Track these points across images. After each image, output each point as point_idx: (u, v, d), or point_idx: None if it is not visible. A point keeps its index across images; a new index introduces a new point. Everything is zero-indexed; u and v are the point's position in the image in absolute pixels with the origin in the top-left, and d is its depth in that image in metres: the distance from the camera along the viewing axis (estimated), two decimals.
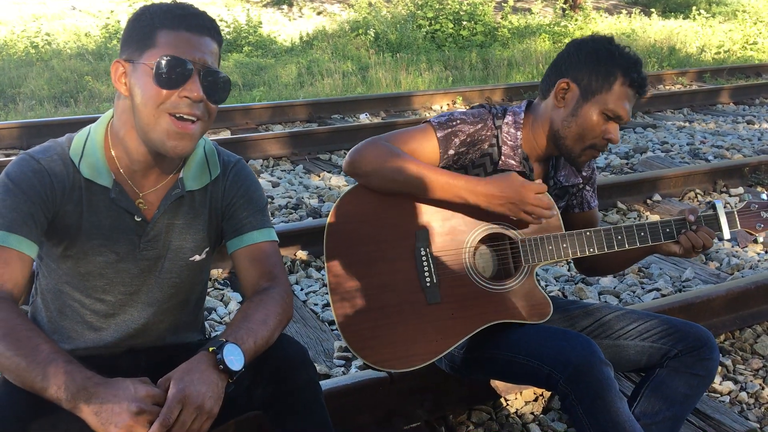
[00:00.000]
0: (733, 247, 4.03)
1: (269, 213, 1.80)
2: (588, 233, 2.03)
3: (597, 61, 1.96)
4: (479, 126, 2.03)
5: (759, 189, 5.13)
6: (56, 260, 1.64)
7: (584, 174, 2.20)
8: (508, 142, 2.05)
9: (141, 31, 1.52)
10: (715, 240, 4.13)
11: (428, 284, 1.99)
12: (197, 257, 1.73)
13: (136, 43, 1.52)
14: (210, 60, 1.53)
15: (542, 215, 1.94)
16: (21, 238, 1.51)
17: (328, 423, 1.65)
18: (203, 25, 1.53)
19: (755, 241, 3.99)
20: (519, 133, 2.06)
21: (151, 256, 1.66)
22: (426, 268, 1.99)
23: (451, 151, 2.02)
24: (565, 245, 2.02)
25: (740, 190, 5.06)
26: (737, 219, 2.08)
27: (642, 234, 2.03)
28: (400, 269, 1.99)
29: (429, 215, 2.00)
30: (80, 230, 1.60)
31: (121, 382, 1.35)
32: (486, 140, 2.04)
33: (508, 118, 2.07)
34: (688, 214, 2.04)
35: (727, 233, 2.06)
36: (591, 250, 2.03)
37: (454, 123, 2.02)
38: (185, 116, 1.51)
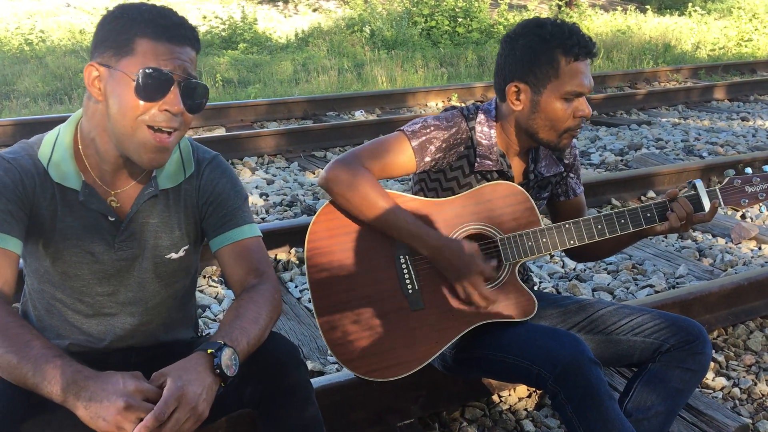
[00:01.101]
0: (726, 243, 4.04)
1: (249, 208, 1.77)
2: (567, 225, 2.02)
3: (533, 53, 1.92)
4: (453, 130, 2.02)
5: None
6: (36, 259, 1.63)
7: (566, 162, 2.19)
8: (483, 142, 2.04)
9: (118, 36, 1.47)
10: (702, 226, 4.13)
11: (410, 291, 1.99)
12: (173, 255, 1.71)
13: (113, 48, 1.48)
14: (190, 70, 1.51)
15: (474, 297, 1.95)
16: (3, 234, 1.50)
17: (319, 421, 1.65)
18: (184, 35, 1.50)
19: (742, 216, 3.98)
20: (492, 131, 2.05)
21: (127, 255, 1.65)
22: (407, 275, 1.99)
23: (428, 158, 2.01)
24: (545, 240, 2.01)
25: None
26: (720, 196, 2.04)
27: (623, 221, 2.02)
28: (382, 279, 1.98)
29: None
30: (54, 229, 1.59)
31: (111, 376, 1.34)
32: (461, 143, 2.04)
33: (480, 117, 2.06)
34: (667, 196, 2.03)
35: (713, 216, 2.01)
36: (572, 242, 2.02)
37: (428, 130, 2.00)
38: (163, 128, 1.49)
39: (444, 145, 2.02)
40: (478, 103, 2.13)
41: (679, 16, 17.84)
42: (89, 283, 1.64)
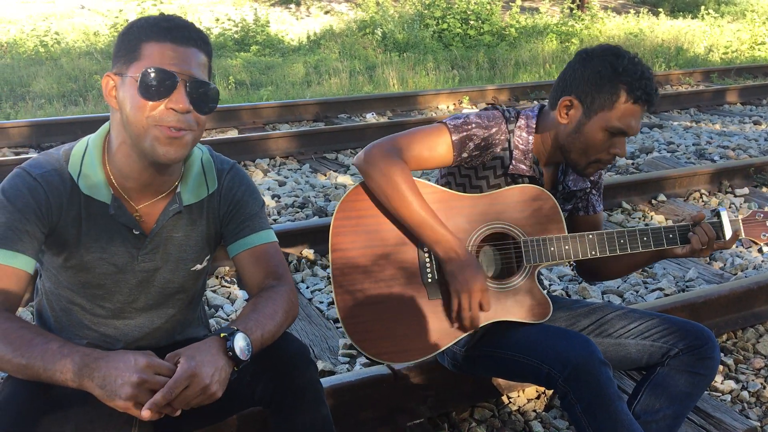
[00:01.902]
0: (737, 247, 4.04)
1: (266, 214, 1.81)
2: (591, 236, 2.04)
3: (600, 78, 1.95)
4: (493, 130, 2.05)
5: (765, 190, 5.13)
6: (56, 268, 1.66)
7: (592, 179, 2.22)
8: (520, 146, 2.07)
9: (128, 45, 1.52)
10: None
11: (429, 280, 2.02)
12: (198, 266, 1.76)
13: (124, 56, 1.52)
14: (197, 71, 1.52)
15: (463, 312, 1.97)
16: (15, 253, 1.52)
17: (329, 420, 1.67)
18: (189, 36, 1.52)
19: (760, 251, 4.00)
20: (531, 137, 2.08)
21: (149, 267, 1.68)
22: (428, 265, 2.02)
23: (465, 154, 2.04)
24: (567, 247, 2.04)
25: (745, 190, 5.07)
26: (741, 228, 2.08)
27: (645, 239, 2.05)
28: (403, 264, 2.02)
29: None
30: (79, 243, 1.61)
31: (122, 354, 1.37)
32: (498, 144, 2.06)
33: (521, 122, 2.08)
34: (692, 220, 2.06)
35: (733, 244, 2.07)
36: (593, 252, 2.04)
37: (470, 126, 2.03)
38: (173, 128, 1.51)
39: (483, 144, 2.04)
40: (520, 108, 2.15)
41: (692, 18, 17.77)
42: (110, 292, 1.68)
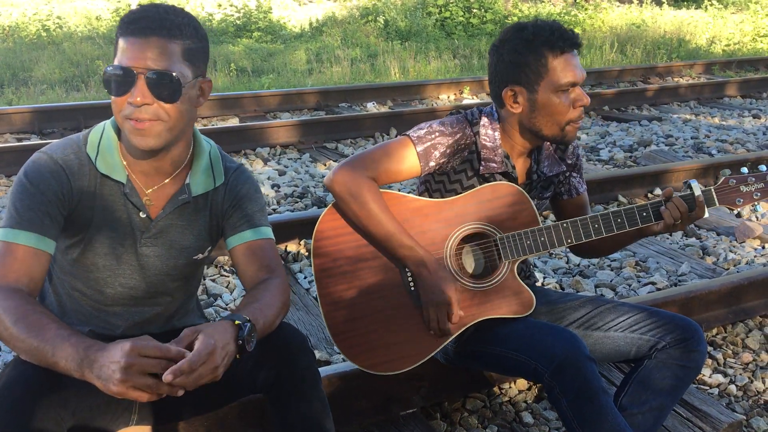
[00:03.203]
0: (731, 242, 4.09)
1: (267, 214, 1.88)
2: (565, 225, 2.08)
3: (520, 55, 1.99)
4: (458, 136, 2.08)
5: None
6: (64, 251, 1.72)
7: (569, 162, 2.25)
8: (488, 144, 2.10)
9: (116, 39, 1.60)
10: (707, 224, 4.19)
11: (413, 288, 2.07)
12: (200, 255, 1.83)
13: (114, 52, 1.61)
14: (155, 62, 1.54)
15: (432, 323, 2.03)
16: (37, 235, 1.58)
17: (326, 406, 1.74)
18: (148, 26, 1.55)
19: (738, 215, 4.01)
20: (496, 133, 2.11)
21: (150, 252, 1.75)
22: (409, 273, 2.07)
23: (432, 163, 2.07)
24: (543, 238, 2.08)
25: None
26: (715, 196, 2.09)
27: (619, 220, 2.08)
28: (386, 275, 2.07)
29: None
30: (91, 223, 1.68)
31: (115, 344, 1.42)
32: (465, 148, 2.10)
33: (484, 120, 2.12)
34: (663, 196, 2.09)
35: (705, 212, 2.07)
36: (569, 240, 2.08)
37: (433, 136, 2.06)
38: (137, 118, 1.56)
39: (448, 151, 2.08)
40: (481, 107, 2.19)
41: (695, 9, 17.71)
42: (113, 275, 1.74)
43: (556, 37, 1.97)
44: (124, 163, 1.69)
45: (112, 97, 1.57)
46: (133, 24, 1.55)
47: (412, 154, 2.06)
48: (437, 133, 2.07)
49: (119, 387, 1.37)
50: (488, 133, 2.11)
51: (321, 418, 1.71)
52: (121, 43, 1.56)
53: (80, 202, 1.66)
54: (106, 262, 1.72)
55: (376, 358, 2.05)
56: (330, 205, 2.09)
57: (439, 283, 2.01)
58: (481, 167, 2.11)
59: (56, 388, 1.49)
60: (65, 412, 1.50)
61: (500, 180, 2.12)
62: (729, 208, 2.12)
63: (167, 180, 1.73)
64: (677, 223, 2.07)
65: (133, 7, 12.75)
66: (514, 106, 2.05)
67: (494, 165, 2.11)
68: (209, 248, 1.86)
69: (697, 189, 2.07)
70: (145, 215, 1.71)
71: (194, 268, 1.87)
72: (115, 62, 1.55)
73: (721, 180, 2.12)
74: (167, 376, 1.38)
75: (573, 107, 2.01)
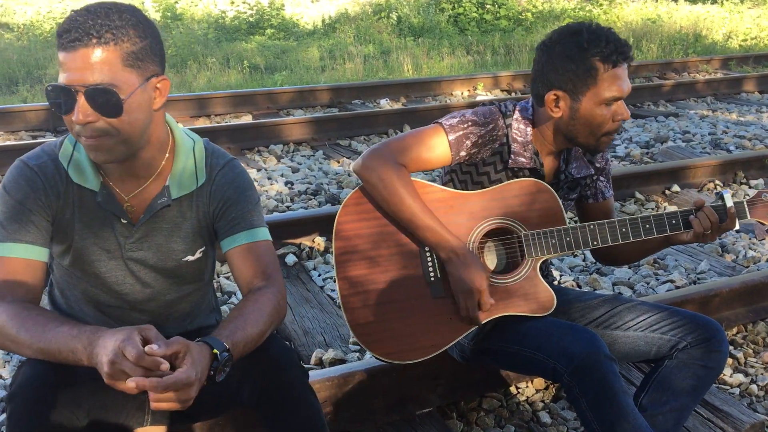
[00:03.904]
0: (750, 239, 4.03)
1: (262, 212, 1.81)
2: (592, 227, 2.05)
3: (571, 62, 1.94)
4: (490, 126, 2.06)
5: None
6: (59, 257, 1.70)
7: (597, 165, 2.23)
8: (519, 139, 2.08)
9: None
10: (730, 231, 4.14)
11: (432, 279, 2.04)
12: (190, 257, 1.76)
13: None
14: (92, 75, 1.43)
15: (462, 311, 2.00)
16: (26, 245, 1.56)
17: (319, 421, 1.66)
18: (77, 38, 1.42)
19: None
20: (529, 129, 2.09)
21: (138, 257, 1.70)
22: (430, 264, 2.04)
23: (463, 153, 2.05)
24: (568, 239, 2.05)
25: (760, 181, 5.03)
26: (747, 209, 2.06)
27: (647, 226, 2.05)
28: (407, 265, 2.04)
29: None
30: (74, 230, 1.65)
31: (113, 332, 1.38)
32: (497, 140, 2.08)
33: (518, 115, 2.09)
34: (694, 206, 2.06)
35: (736, 224, 2.05)
36: (595, 242, 2.05)
37: (466, 125, 2.04)
38: (85, 137, 1.50)
39: (480, 141, 2.06)
40: (515, 101, 2.16)
41: (711, 4, 17.54)
42: (108, 280, 1.71)
43: (612, 49, 1.92)
44: (99, 170, 1.63)
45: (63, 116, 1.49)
46: (63, 36, 1.43)
47: (444, 143, 2.03)
48: (470, 123, 2.05)
49: (107, 379, 1.36)
50: (520, 128, 2.08)
51: None
52: (59, 57, 1.45)
53: (60, 208, 1.62)
54: (96, 269, 1.69)
55: (390, 347, 2.02)
56: (356, 189, 2.07)
57: (470, 270, 1.98)
58: (510, 160, 2.08)
59: (70, 386, 1.48)
60: (79, 411, 1.49)
61: (528, 176, 2.09)
62: (761, 222, 2.08)
63: (146, 184, 1.67)
64: (707, 234, 2.04)
65: (149, 5, 12.61)
66: (554, 110, 2.01)
67: (523, 160, 2.08)
68: (202, 249, 1.79)
69: (730, 200, 2.04)
70: (126, 221, 1.66)
71: (191, 270, 1.80)
72: (57, 80, 1.46)
73: (755, 194, 2.09)
74: (129, 383, 1.33)
75: (613, 120, 1.98)
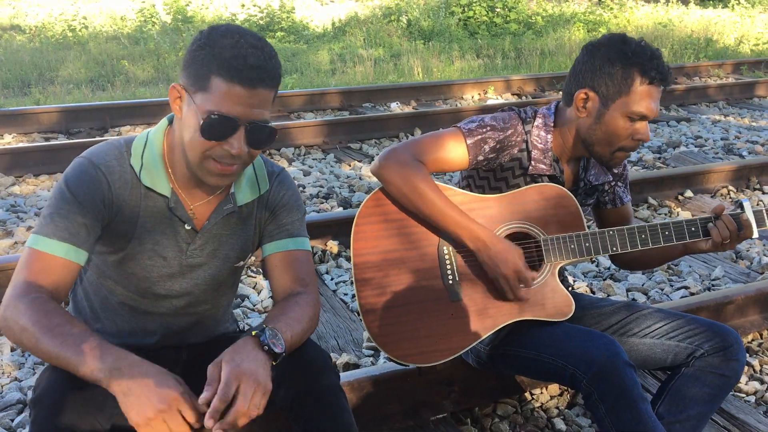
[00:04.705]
0: (765, 245, 4.01)
1: (305, 223, 1.86)
2: (611, 232, 2.05)
3: (612, 66, 1.95)
4: (509, 132, 2.06)
5: None
6: (103, 259, 1.69)
7: (615, 171, 2.22)
8: (539, 146, 2.07)
9: (198, 67, 1.50)
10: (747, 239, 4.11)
11: (450, 282, 2.04)
12: (241, 263, 1.81)
13: (194, 78, 1.52)
14: (259, 111, 1.52)
15: (508, 294, 2.00)
16: (70, 246, 1.54)
17: (350, 425, 1.66)
18: (259, 78, 1.49)
19: None
20: (549, 135, 2.08)
21: (196, 263, 1.72)
22: (449, 267, 2.04)
23: (481, 157, 2.05)
24: (587, 244, 2.04)
25: None
26: (766, 216, 2.05)
27: (666, 233, 2.04)
28: (425, 267, 2.04)
29: None
30: (133, 235, 1.64)
31: (155, 372, 1.40)
32: (515, 145, 2.07)
33: (538, 121, 2.09)
34: (713, 212, 2.04)
35: (755, 232, 2.04)
36: (614, 249, 2.05)
37: (484, 130, 2.04)
38: (225, 162, 1.54)
39: (498, 146, 2.05)
40: (535, 107, 2.15)
41: (722, 8, 17.47)
42: (155, 284, 1.71)
43: (653, 65, 1.93)
44: (171, 176, 1.65)
45: (201, 138, 1.50)
46: (245, 72, 1.47)
47: (462, 146, 2.03)
48: (488, 128, 2.04)
49: (145, 426, 1.36)
50: (540, 135, 2.08)
51: None
52: (224, 86, 1.47)
53: (121, 211, 1.62)
54: (147, 273, 1.69)
55: (406, 349, 2.02)
56: (375, 190, 2.07)
57: (502, 253, 1.97)
58: (530, 166, 2.08)
59: (93, 391, 1.48)
60: (102, 416, 1.49)
61: (547, 182, 2.09)
62: None
63: (214, 193, 1.70)
64: (726, 243, 2.03)
65: (159, 8, 12.62)
66: (581, 110, 2.01)
67: (543, 167, 2.08)
68: (250, 254, 1.83)
69: (749, 209, 2.04)
70: (190, 227, 1.68)
71: (235, 276, 1.85)
72: (218, 107, 1.48)
73: None
74: (208, 422, 1.35)
75: (632, 138, 1.98)
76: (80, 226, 1.56)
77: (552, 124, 2.09)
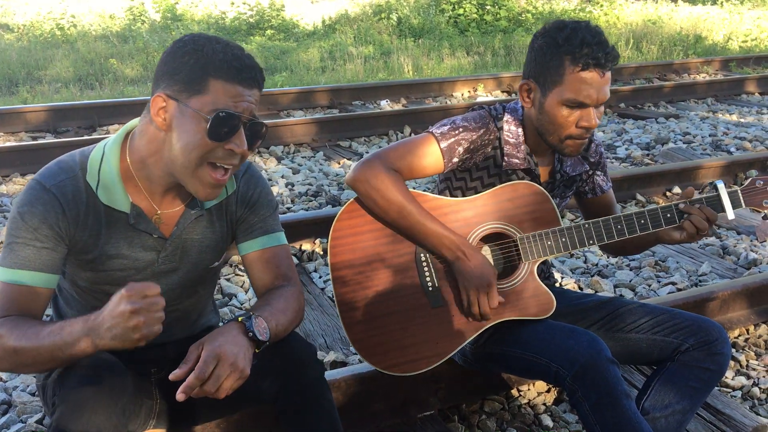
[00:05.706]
0: (751, 241, 4.02)
1: (279, 216, 1.84)
2: (587, 225, 2.04)
3: (544, 55, 1.94)
4: (481, 131, 2.05)
5: None
6: (75, 272, 1.66)
7: (591, 160, 2.21)
8: (510, 140, 2.07)
9: (191, 73, 1.49)
10: (727, 224, 4.12)
11: (430, 288, 2.03)
12: (216, 263, 1.80)
13: (185, 84, 1.49)
14: (254, 110, 1.55)
15: (473, 308, 1.99)
16: (35, 273, 1.52)
17: (335, 419, 1.68)
18: (254, 77, 1.53)
19: (764, 218, 3.96)
20: (520, 129, 2.08)
21: (168, 268, 1.70)
22: (427, 273, 2.04)
23: (455, 159, 2.04)
24: (564, 239, 2.04)
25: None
26: (741, 197, 2.04)
27: (642, 222, 2.04)
28: (404, 276, 2.03)
29: None
30: (99, 250, 1.61)
31: (110, 303, 1.40)
32: (489, 144, 2.07)
33: (507, 116, 2.09)
34: (683, 196, 2.04)
35: (731, 213, 2.03)
36: (591, 241, 2.05)
37: (457, 132, 2.03)
38: (225, 165, 1.54)
39: (472, 147, 2.05)
40: (505, 103, 2.15)
41: (711, 5, 17.54)
42: None
43: (584, 52, 1.89)
44: (139, 184, 1.61)
45: (207, 140, 1.49)
46: (243, 72, 1.51)
47: (436, 151, 2.02)
48: (461, 129, 2.04)
49: (139, 334, 1.36)
50: (511, 129, 2.08)
51: None
52: (223, 87, 1.49)
53: (80, 228, 1.58)
54: (120, 282, 1.63)
55: (392, 359, 2.01)
56: (349, 202, 2.06)
57: (478, 266, 1.97)
58: (504, 162, 2.07)
59: (116, 397, 1.46)
60: (123, 420, 1.47)
61: (523, 177, 2.09)
62: (756, 210, 2.06)
63: (181, 197, 1.67)
64: (702, 233, 2.03)
65: (148, 6, 12.60)
66: (526, 100, 2.03)
67: (516, 161, 2.07)
68: (224, 254, 1.83)
69: (724, 191, 2.02)
70: (158, 235, 1.65)
71: (211, 275, 1.84)
72: (221, 106, 1.48)
73: (749, 181, 2.07)
74: (179, 395, 1.37)
75: (577, 125, 1.96)
76: (40, 251, 1.53)
77: (521, 118, 2.09)
